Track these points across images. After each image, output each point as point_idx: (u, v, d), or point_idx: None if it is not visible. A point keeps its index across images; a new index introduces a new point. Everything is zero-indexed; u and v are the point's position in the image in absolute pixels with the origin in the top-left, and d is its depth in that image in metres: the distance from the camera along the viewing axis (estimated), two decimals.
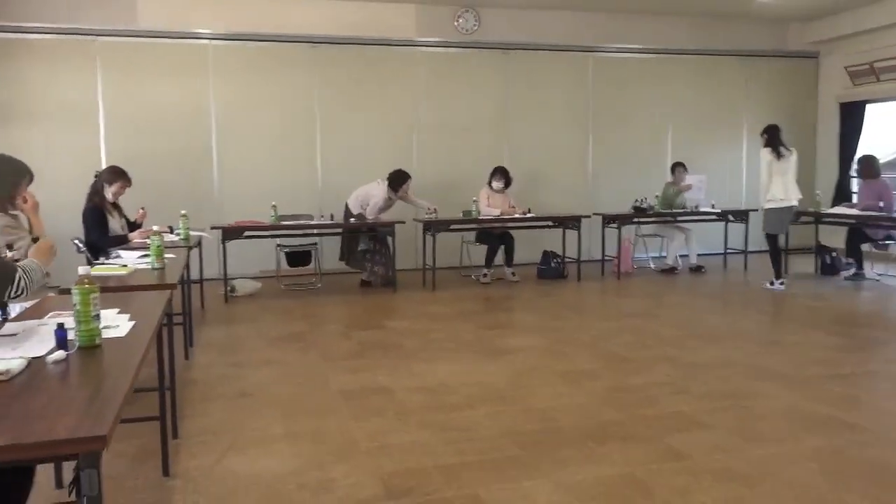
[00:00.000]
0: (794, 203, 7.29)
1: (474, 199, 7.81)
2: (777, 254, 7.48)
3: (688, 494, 2.71)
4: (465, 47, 9.06)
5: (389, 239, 7.47)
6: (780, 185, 7.21)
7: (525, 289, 7.67)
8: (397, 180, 7.60)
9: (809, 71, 10.48)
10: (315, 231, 7.73)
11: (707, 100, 10.01)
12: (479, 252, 8.19)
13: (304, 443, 3.31)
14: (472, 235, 8.22)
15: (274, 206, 7.19)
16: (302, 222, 7.43)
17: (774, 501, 2.65)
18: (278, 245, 7.69)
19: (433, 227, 7.54)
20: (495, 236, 8.07)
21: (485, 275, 7.97)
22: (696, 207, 8.58)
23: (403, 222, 7.60)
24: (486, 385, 4.18)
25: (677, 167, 8.71)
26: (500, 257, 8.13)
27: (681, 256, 8.74)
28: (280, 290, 7.60)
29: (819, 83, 10.48)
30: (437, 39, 8.96)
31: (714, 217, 8.62)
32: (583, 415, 3.64)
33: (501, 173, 8.04)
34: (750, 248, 8.85)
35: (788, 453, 3.11)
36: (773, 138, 7.24)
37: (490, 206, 7.93)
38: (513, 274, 8.08)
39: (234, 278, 7.34)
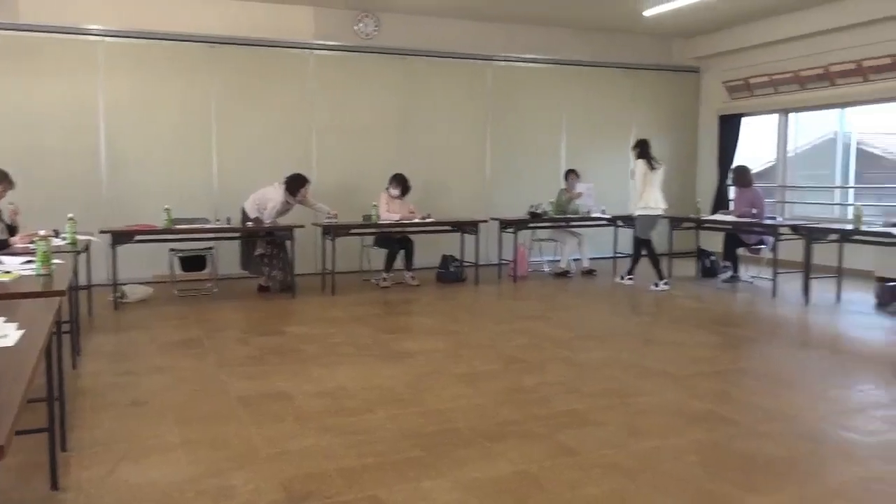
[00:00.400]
0: (662, 211, 7.95)
1: (374, 203, 7.85)
2: (655, 256, 8.01)
3: (578, 488, 2.86)
4: (365, 52, 9.08)
5: (288, 243, 7.41)
6: (651, 194, 7.85)
7: (424, 293, 7.78)
8: (295, 184, 7.54)
9: (691, 85, 11.11)
10: (211, 235, 7.57)
11: (598, 110, 10.44)
12: (379, 256, 8.24)
13: (202, 450, 3.27)
14: (371, 240, 8.26)
15: (167, 209, 6.99)
16: (197, 226, 7.25)
17: (656, 491, 2.84)
18: (172, 249, 7.47)
19: (333, 231, 7.53)
20: (395, 241, 8.14)
21: (384, 279, 8.03)
22: (588, 213, 8.94)
23: (302, 226, 7.55)
24: (386, 388, 4.24)
25: (570, 174, 9.05)
26: (400, 261, 8.21)
27: (574, 260, 9.08)
28: (174, 295, 7.39)
29: (700, 96, 11.13)
30: (336, 43, 8.94)
31: (604, 222, 9.01)
32: (480, 415, 3.76)
33: (399, 181, 8.12)
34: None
35: (670, 446, 3.33)
36: (644, 151, 7.87)
37: (389, 210, 7.99)
38: (412, 278, 8.17)
39: (124, 284, 7.08)
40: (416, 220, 7.99)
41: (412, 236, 8.25)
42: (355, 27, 9.01)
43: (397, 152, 9.19)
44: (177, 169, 8.32)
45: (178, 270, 7.54)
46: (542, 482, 2.92)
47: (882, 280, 7.28)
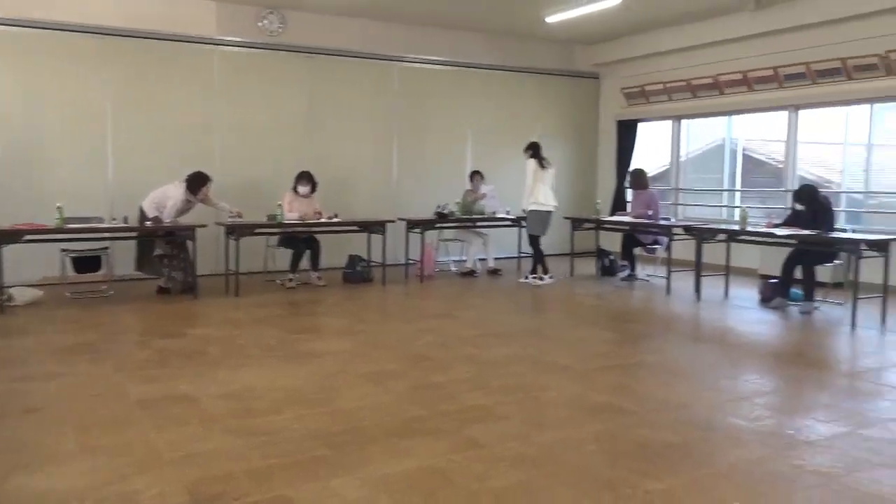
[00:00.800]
0: (553, 208, 8.25)
1: (279, 202, 7.73)
2: (540, 253, 8.35)
3: (485, 480, 2.94)
4: (270, 49, 8.95)
5: (189, 243, 7.21)
6: (542, 192, 8.16)
7: (331, 293, 7.73)
8: (196, 182, 7.35)
9: (592, 90, 11.49)
10: (106, 235, 7.27)
11: (503, 112, 10.65)
12: (284, 257, 8.13)
13: (102, 457, 3.16)
14: (276, 240, 8.13)
15: (59, 207, 6.66)
16: (91, 225, 6.94)
17: (558, 481, 2.95)
18: (63, 250, 7.12)
19: (236, 230, 7.37)
20: (300, 241, 8.05)
21: (290, 279, 7.93)
22: (493, 213, 9.10)
23: (205, 226, 7.35)
24: (293, 389, 4.21)
25: (475, 175, 9.20)
26: (306, 262, 8.13)
27: (479, 260, 9.23)
28: (66, 298, 7.05)
29: (600, 102, 11.54)
30: (239, 39, 8.77)
31: (509, 223, 9.20)
32: (388, 413, 3.79)
33: (307, 178, 8.05)
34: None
35: (571, 438, 3.45)
36: (536, 153, 8.18)
37: (294, 210, 7.89)
38: (318, 278, 8.11)
39: (11, 286, 6.70)
40: (323, 220, 7.93)
41: (318, 236, 8.18)
42: (259, 24, 8.85)
43: (303, 151, 9.08)
44: (69, 166, 7.95)
45: (70, 272, 7.19)
46: (450, 476, 2.98)
47: (764, 277, 7.76)
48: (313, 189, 8.09)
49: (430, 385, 4.33)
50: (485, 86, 10.47)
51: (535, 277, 8.41)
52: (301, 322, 6.43)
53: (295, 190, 8.02)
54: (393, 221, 8.42)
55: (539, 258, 8.42)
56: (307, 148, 9.17)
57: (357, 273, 8.38)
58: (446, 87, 10.19)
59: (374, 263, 8.44)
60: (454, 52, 10.15)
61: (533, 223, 8.36)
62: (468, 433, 3.48)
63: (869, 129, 8.31)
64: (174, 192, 7.26)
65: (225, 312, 6.57)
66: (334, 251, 8.58)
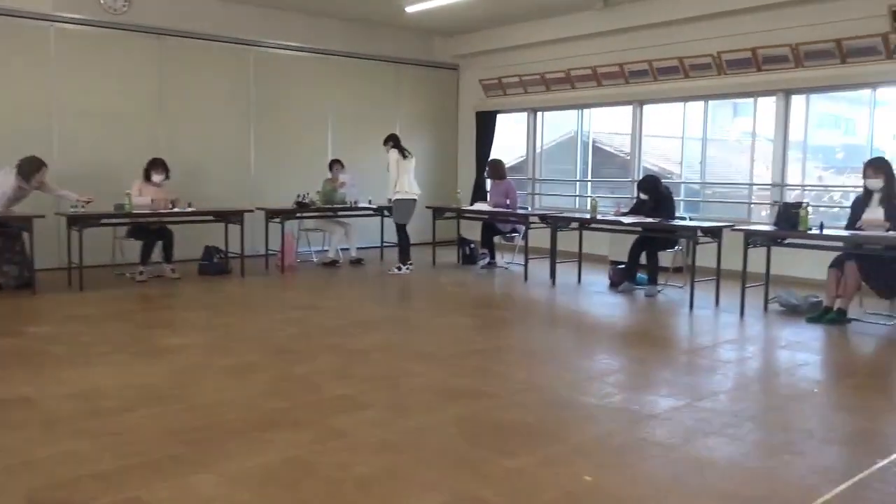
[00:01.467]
0: (416, 196, 8.43)
1: (127, 191, 7.31)
2: (407, 241, 8.46)
3: (348, 468, 2.94)
4: (114, 28, 8.41)
5: (25, 235, 6.69)
6: (406, 181, 8.30)
7: (186, 286, 7.43)
8: (29, 168, 6.83)
9: (452, 81, 11.67)
10: None
11: (363, 101, 10.59)
12: (134, 249, 7.70)
13: None
14: (125, 231, 7.68)
15: None
16: None
17: (421, 464, 3.01)
18: None
19: (80, 221, 6.91)
20: (151, 231, 7.66)
21: (140, 272, 7.54)
22: (355, 203, 9.05)
23: (43, 216, 6.83)
24: (146, 386, 4.02)
25: (334, 164, 9.12)
26: (158, 254, 7.75)
27: (342, 250, 9.16)
28: None
29: (460, 93, 11.73)
30: (79, 17, 8.19)
31: (371, 212, 9.18)
32: (248, 407, 3.71)
33: (161, 165, 7.66)
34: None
35: (433, 422, 3.52)
36: (397, 143, 8.35)
37: (144, 198, 7.49)
38: (172, 270, 7.76)
39: None
40: (176, 210, 7.58)
41: (171, 227, 7.81)
42: (102, 0, 8.30)
43: (154, 138, 8.63)
44: None
45: None
46: (313, 466, 2.96)
47: (614, 263, 8.21)
48: (167, 177, 7.72)
49: (293, 377, 4.27)
50: (344, 74, 10.37)
51: (407, 266, 8.44)
52: (154, 317, 6.14)
53: (147, 178, 7.61)
54: (251, 211, 8.17)
55: (406, 246, 8.49)
56: (158, 133, 8.73)
57: (214, 265, 8.09)
58: (305, 75, 10.00)
59: (232, 255, 8.17)
60: (313, 39, 9.98)
61: (399, 212, 8.43)
62: (331, 423, 3.46)
63: (704, 124, 8.97)
64: (4, 180, 6.71)
65: (68, 308, 6.16)
66: (189, 243, 8.23)
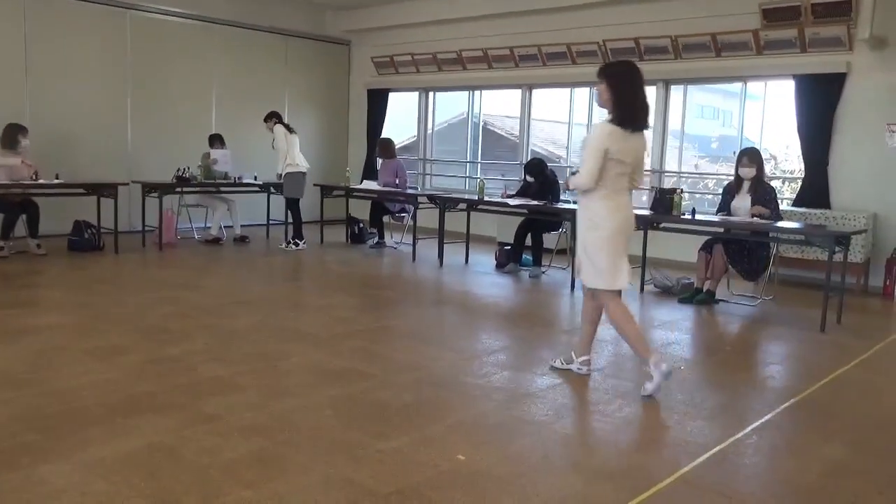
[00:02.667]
0: (306, 170, 8.40)
1: None
2: (299, 216, 8.43)
3: (216, 454, 2.83)
4: None
5: None
6: (295, 155, 8.25)
7: (53, 262, 6.98)
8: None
9: (343, 57, 11.45)
10: None
11: (250, 74, 10.24)
12: None
13: None
14: None
15: None
16: None
17: (292, 448, 2.94)
18: None
19: None
20: (15, 204, 7.13)
21: (1, 248, 7.02)
22: (239, 179, 8.74)
23: None
24: None
25: (215, 140, 8.80)
26: (22, 228, 7.23)
27: (225, 227, 8.86)
28: None
29: (351, 69, 11.53)
30: None
31: (257, 189, 8.91)
32: (112, 391, 3.51)
33: (22, 131, 7.13)
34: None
35: (309, 404, 3.45)
36: (280, 119, 8.37)
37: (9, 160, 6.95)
38: (38, 246, 7.27)
39: None
40: (42, 182, 7.08)
41: (37, 199, 7.29)
42: None
43: (16, 103, 8.02)
44: None
45: None
46: (178, 452, 2.83)
47: (501, 244, 8.32)
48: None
49: (164, 358, 4.08)
50: (230, 44, 9.97)
51: (298, 242, 8.37)
52: (14, 295, 5.72)
53: (6, 146, 7.06)
54: (126, 184, 7.75)
55: (299, 222, 8.38)
56: (21, 99, 8.12)
57: (85, 241, 7.63)
58: (188, 43, 9.55)
59: (105, 230, 7.73)
60: (196, 5, 9.53)
61: (289, 186, 8.30)
62: (201, 407, 3.33)
63: (589, 110, 9.20)
64: None
65: None
66: (57, 217, 7.73)
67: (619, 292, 3.88)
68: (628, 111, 3.70)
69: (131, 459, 2.75)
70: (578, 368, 4.06)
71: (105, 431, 3.01)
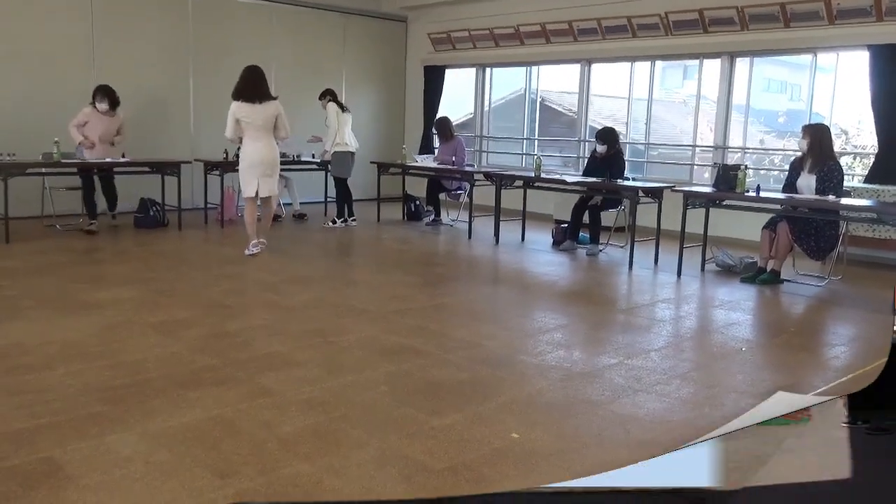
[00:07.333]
0: (355, 150, 8.38)
1: (55, 139, 6.97)
2: (348, 195, 8.46)
3: (273, 427, 2.89)
4: None
5: None
6: (344, 134, 8.24)
7: (120, 239, 7.21)
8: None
9: (399, 34, 11.42)
10: None
11: (309, 51, 10.31)
12: (63, 199, 7.40)
13: None
14: (60, 181, 7.39)
15: None
16: None
17: (347, 422, 2.98)
18: None
19: (3, 170, 6.59)
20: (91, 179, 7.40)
21: (91, 223, 7.29)
22: (298, 156, 8.84)
23: None
24: (69, 342, 3.89)
25: None
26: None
27: (285, 204, 8.99)
28: None
29: (408, 46, 11.50)
30: None
31: (315, 167, 9.00)
32: (175, 364, 3.62)
33: (105, 93, 7.44)
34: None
35: (364, 380, 3.49)
36: (334, 98, 8.32)
37: (90, 130, 7.25)
38: (113, 217, 7.53)
39: None
40: (108, 161, 7.30)
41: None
42: None
43: (86, 84, 8.25)
44: None
45: None
46: (237, 425, 2.90)
47: (557, 222, 8.24)
48: (113, 106, 7.46)
49: (225, 333, 4.18)
50: (289, 24, 10.05)
51: (342, 221, 8.39)
52: (85, 270, 5.93)
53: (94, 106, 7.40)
54: (189, 162, 7.94)
55: (347, 201, 8.42)
56: (89, 78, 8.35)
57: (150, 218, 7.86)
58: (248, 22, 9.65)
59: (169, 207, 7.94)
60: None
61: (337, 165, 8.33)
62: (260, 381, 3.40)
63: (650, 85, 8.99)
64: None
65: None
66: (123, 194, 7.96)
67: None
68: None
69: (193, 431, 2.84)
70: None
71: (168, 403, 3.10)
